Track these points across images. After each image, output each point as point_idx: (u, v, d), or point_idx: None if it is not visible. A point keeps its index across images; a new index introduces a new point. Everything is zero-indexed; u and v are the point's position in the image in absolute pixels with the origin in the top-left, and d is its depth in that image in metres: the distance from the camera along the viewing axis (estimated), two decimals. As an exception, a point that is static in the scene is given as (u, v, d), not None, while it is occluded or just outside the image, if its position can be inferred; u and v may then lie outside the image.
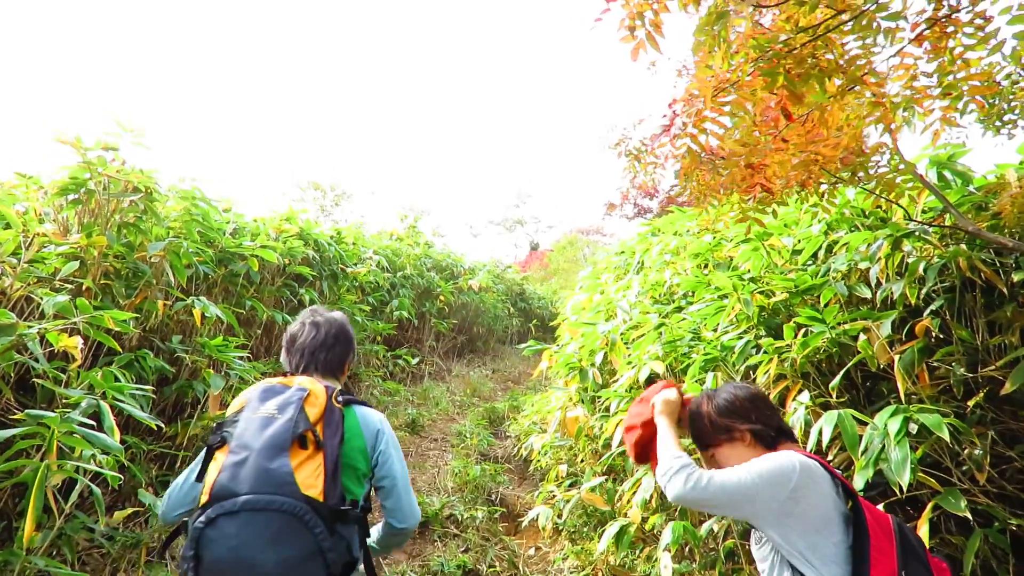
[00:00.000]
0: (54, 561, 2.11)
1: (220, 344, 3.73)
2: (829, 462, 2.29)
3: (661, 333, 3.58)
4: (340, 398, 1.93)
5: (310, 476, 1.69)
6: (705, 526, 3.02)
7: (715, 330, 3.57)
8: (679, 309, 4.53)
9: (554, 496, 4.46)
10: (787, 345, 2.84)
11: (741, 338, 3.27)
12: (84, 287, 3.28)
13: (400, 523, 1.99)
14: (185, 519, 1.83)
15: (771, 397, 2.84)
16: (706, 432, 1.94)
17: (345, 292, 6.87)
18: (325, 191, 16.54)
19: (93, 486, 2.13)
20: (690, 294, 4.37)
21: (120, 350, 3.02)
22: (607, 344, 4.24)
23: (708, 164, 2.37)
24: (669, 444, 1.87)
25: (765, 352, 2.91)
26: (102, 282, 3.43)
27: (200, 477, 1.78)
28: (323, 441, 1.77)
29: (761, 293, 3.33)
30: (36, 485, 1.87)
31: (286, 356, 2.18)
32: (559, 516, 3.69)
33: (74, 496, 2.19)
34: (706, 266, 4.76)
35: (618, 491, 3.68)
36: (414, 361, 8.24)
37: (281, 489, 1.63)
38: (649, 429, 2.01)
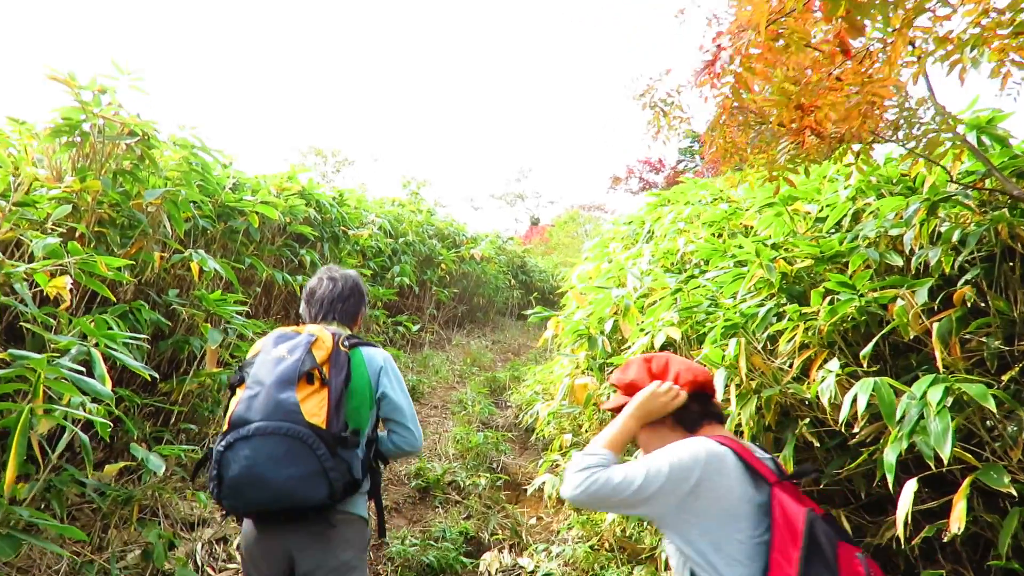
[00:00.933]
0: (41, 514, 1.99)
1: (218, 298, 3.60)
2: (851, 432, 2.15)
3: (676, 299, 3.44)
4: (347, 342, 2.19)
5: (315, 407, 1.95)
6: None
7: (733, 297, 3.44)
8: (692, 277, 4.40)
9: (558, 465, 4.36)
10: (813, 312, 2.71)
11: (762, 305, 3.15)
12: (77, 233, 3.14)
13: (407, 447, 2.25)
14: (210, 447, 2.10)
15: (794, 365, 2.73)
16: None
17: (346, 256, 6.72)
18: (326, 157, 16.35)
19: (83, 435, 1.99)
20: (704, 262, 4.24)
21: (114, 299, 2.88)
22: (618, 311, 4.11)
23: (741, 116, 2.23)
24: (600, 437, 1.78)
25: (789, 319, 2.78)
26: (96, 230, 3.28)
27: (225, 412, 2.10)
28: (328, 379, 2.03)
29: (783, 260, 3.19)
30: (19, 430, 1.74)
31: (305, 307, 2.44)
32: (558, 485, 3.60)
33: (61, 446, 2.06)
34: (720, 235, 4.63)
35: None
36: (415, 328, 8.13)
37: (288, 417, 1.90)
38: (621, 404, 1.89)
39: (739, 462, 1.57)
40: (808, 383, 2.59)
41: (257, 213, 4.60)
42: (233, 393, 2.08)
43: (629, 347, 3.83)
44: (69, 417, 1.98)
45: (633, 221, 6.62)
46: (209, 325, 3.51)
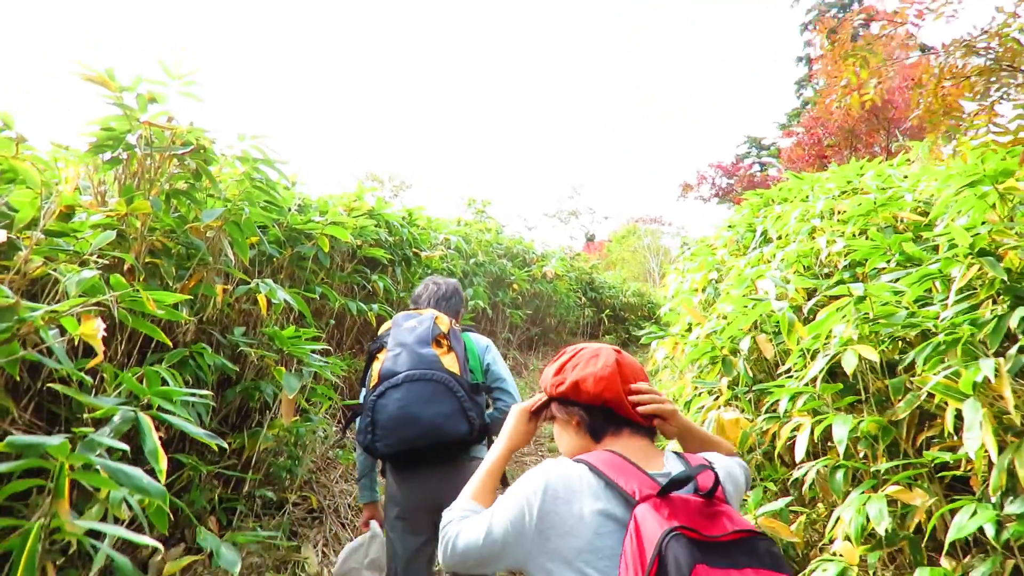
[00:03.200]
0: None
1: (292, 336, 3.03)
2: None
3: (854, 309, 2.72)
4: (457, 326, 2.58)
5: (450, 361, 2.33)
6: None
7: (919, 303, 2.73)
8: (841, 282, 3.67)
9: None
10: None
11: (972, 310, 2.43)
12: (126, 266, 2.61)
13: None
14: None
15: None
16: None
17: (418, 280, 6.15)
18: (383, 181, 16.00)
19: (115, 555, 1.38)
20: (858, 264, 3.51)
21: (169, 344, 2.31)
22: (756, 326, 3.41)
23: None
24: (468, 486, 1.56)
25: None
26: (147, 261, 2.75)
27: (364, 382, 2.46)
28: (452, 345, 2.41)
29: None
30: (24, 558, 1.15)
31: (414, 307, 2.81)
32: None
33: (100, 559, 1.46)
34: (864, 231, 3.90)
35: (801, 514, 2.86)
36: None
37: (431, 366, 2.27)
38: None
39: (599, 481, 1.29)
40: None
41: (327, 236, 4.05)
42: (373, 359, 2.45)
43: (788, 370, 3.12)
44: (111, 516, 1.38)
45: (735, 225, 5.89)
46: (283, 368, 2.93)
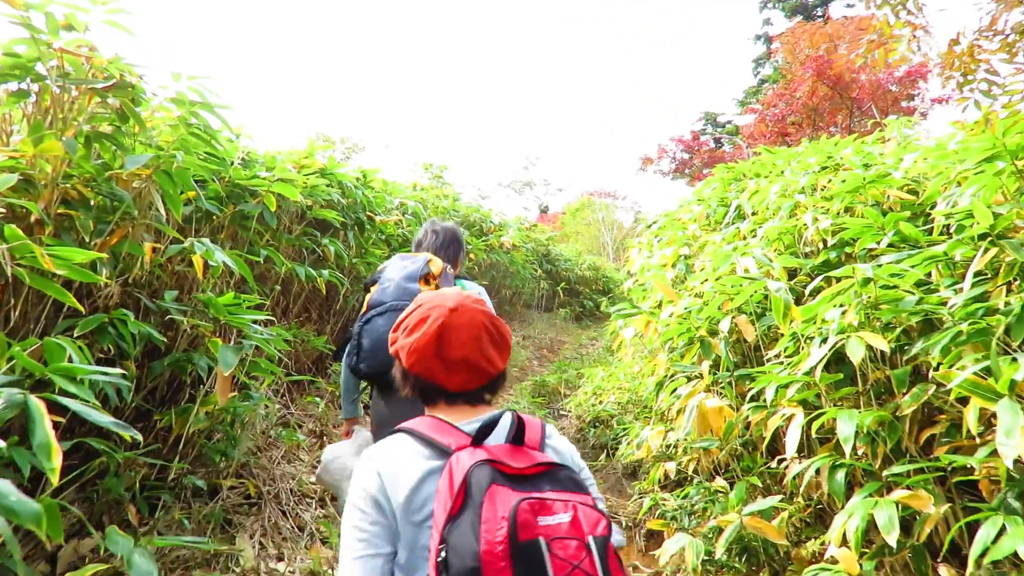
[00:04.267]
0: None
1: (231, 303, 2.67)
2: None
3: (854, 292, 2.49)
4: (451, 271, 2.80)
5: None
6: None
7: (919, 288, 2.53)
8: (827, 263, 3.47)
9: (664, 503, 3.44)
10: None
11: (983, 297, 2.23)
12: (33, 218, 2.22)
13: None
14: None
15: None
16: None
17: (371, 245, 5.78)
18: (335, 143, 15.35)
19: None
20: (848, 243, 3.30)
21: (81, 308, 1.95)
22: (742, 306, 3.19)
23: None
24: None
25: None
26: (60, 212, 2.36)
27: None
28: (440, 285, 2.61)
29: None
30: None
31: (415, 252, 2.95)
32: (704, 557, 2.62)
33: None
34: (849, 210, 3.70)
35: (783, 510, 2.65)
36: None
37: (413, 298, 1.98)
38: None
39: (420, 443, 1.35)
40: None
41: (274, 194, 3.67)
42: (367, 291, 2.66)
43: (780, 357, 2.90)
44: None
45: (705, 200, 5.66)
46: (220, 340, 2.58)
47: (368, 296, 2.61)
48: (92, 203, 2.53)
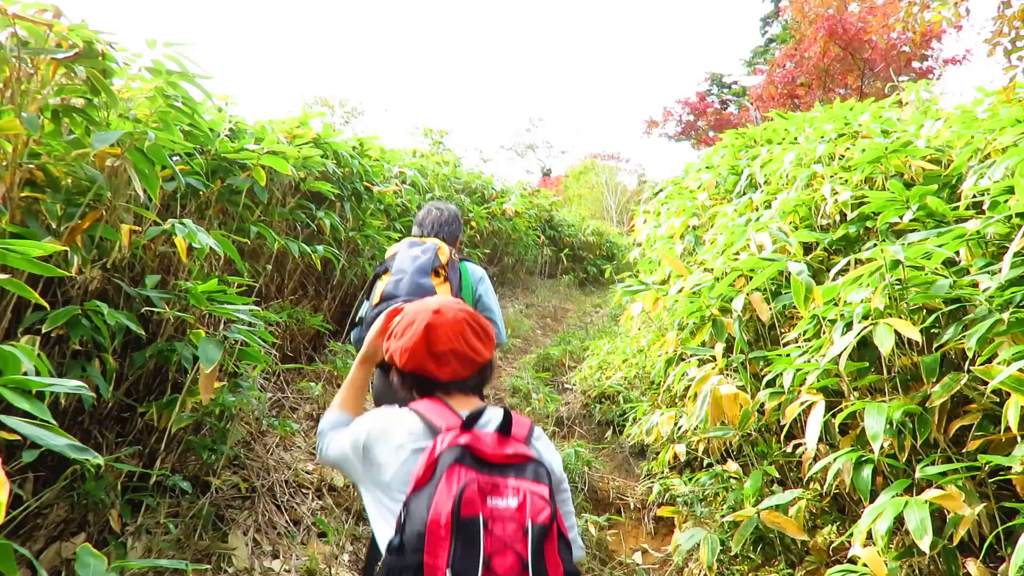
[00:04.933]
0: None
1: (214, 289, 2.51)
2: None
3: (885, 275, 2.31)
4: (456, 256, 2.90)
5: (443, 292, 2.63)
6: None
7: (950, 266, 2.36)
8: (846, 238, 3.29)
9: (674, 487, 3.31)
10: None
11: (1017, 280, 2.06)
12: (-7, 203, 2.05)
13: (496, 341, 2.46)
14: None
15: None
16: None
17: (369, 217, 5.59)
18: (334, 107, 15.06)
19: None
20: (870, 217, 3.12)
21: (43, 302, 1.78)
22: (747, 284, 3.02)
23: None
24: (337, 396, 1.86)
25: None
26: (23, 195, 2.18)
27: (369, 295, 2.76)
28: (449, 275, 2.73)
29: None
30: None
31: (418, 228, 3.08)
32: (719, 550, 2.50)
33: None
34: (868, 180, 3.51)
35: (799, 499, 2.52)
36: (448, 297, 6.99)
37: (426, 294, 2.51)
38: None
39: (420, 422, 1.50)
40: None
41: (263, 167, 3.48)
42: (378, 278, 2.73)
43: (799, 340, 2.74)
44: None
45: (714, 167, 5.45)
46: (203, 330, 2.42)
47: (380, 285, 2.67)
48: (61, 185, 2.36)
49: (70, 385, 1.43)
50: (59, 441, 1.30)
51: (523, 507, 1.30)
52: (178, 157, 2.95)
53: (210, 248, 2.60)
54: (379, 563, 1.37)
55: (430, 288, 2.57)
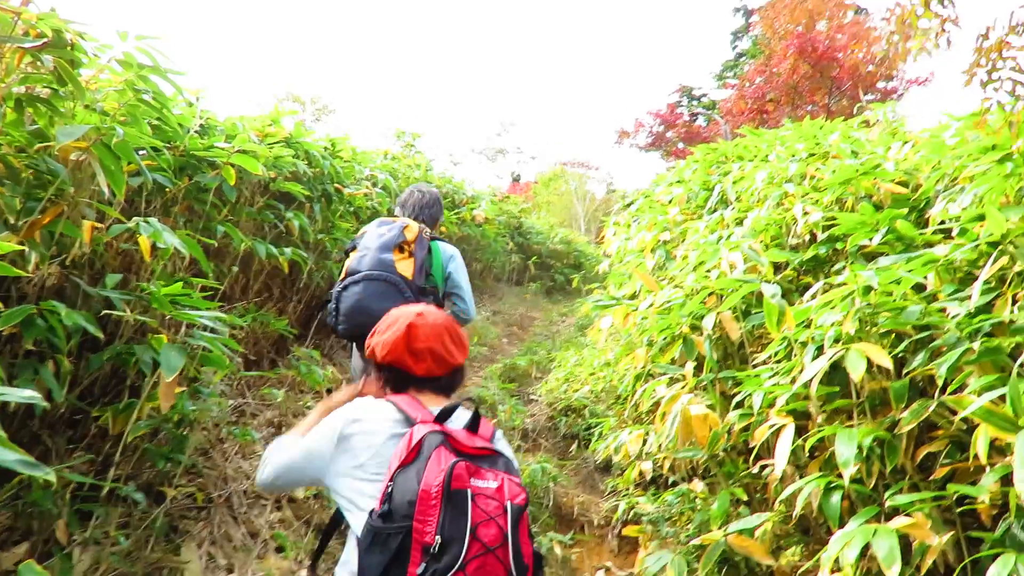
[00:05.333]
0: None
1: (177, 292, 2.43)
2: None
3: (856, 299, 2.32)
4: (427, 234, 2.98)
5: (405, 267, 2.77)
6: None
7: (918, 291, 2.39)
8: (816, 258, 3.32)
9: (640, 506, 3.30)
10: None
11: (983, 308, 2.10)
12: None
13: (463, 315, 3.11)
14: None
15: None
16: None
17: (339, 219, 5.51)
18: (305, 104, 14.89)
19: None
20: (837, 240, 3.15)
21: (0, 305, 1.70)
22: (718, 304, 3.02)
23: None
24: (299, 426, 1.84)
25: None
26: (-20, 188, 2.09)
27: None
28: (414, 252, 2.84)
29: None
30: None
31: (400, 210, 3.23)
32: (685, 573, 2.49)
33: None
34: (839, 202, 3.55)
35: (766, 523, 2.52)
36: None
37: (386, 269, 2.73)
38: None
39: (396, 412, 1.64)
40: None
41: (233, 166, 3.40)
42: (347, 256, 2.89)
43: (769, 362, 2.75)
44: None
45: (686, 182, 5.48)
46: (165, 335, 2.35)
47: (347, 261, 2.84)
48: (22, 177, 2.26)
49: (22, 395, 1.36)
50: (10, 456, 1.23)
51: (501, 489, 1.44)
52: (145, 152, 2.86)
53: (174, 249, 2.53)
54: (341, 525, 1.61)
55: (389, 263, 2.73)
